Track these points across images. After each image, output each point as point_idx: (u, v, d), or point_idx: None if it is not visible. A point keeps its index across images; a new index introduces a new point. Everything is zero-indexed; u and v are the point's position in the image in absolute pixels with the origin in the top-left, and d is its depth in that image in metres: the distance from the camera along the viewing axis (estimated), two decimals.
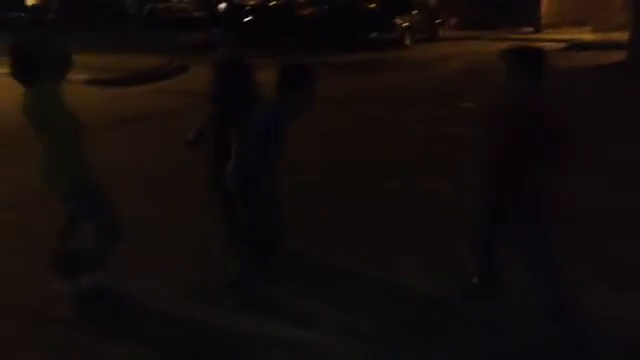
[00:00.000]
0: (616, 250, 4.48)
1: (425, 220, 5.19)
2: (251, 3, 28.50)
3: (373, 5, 22.53)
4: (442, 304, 3.89)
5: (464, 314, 3.75)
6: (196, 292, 4.06)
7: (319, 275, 4.32)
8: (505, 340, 3.46)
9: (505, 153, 3.22)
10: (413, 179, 6.29)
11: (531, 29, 24.57)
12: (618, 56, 15.11)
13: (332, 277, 4.28)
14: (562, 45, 19.19)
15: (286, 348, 3.45)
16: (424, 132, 8.53)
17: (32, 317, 3.81)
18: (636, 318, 3.62)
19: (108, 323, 3.77)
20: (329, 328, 3.64)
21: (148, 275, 4.28)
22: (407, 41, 20.95)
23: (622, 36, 16.82)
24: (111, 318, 3.82)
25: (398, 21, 20.97)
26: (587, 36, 21.59)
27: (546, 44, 19.70)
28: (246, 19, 23.59)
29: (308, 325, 3.68)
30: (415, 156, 7.25)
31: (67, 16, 34.11)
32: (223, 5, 28.90)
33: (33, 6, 39.63)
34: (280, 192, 3.93)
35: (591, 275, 4.00)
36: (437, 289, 4.04)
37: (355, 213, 5.44)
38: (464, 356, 3.36)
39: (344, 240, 4.84)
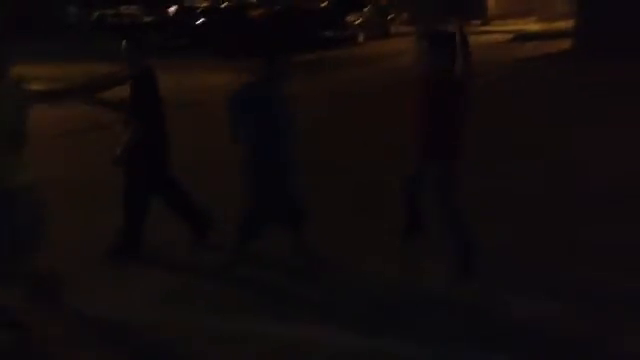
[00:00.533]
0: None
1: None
2: (202, 6, 28.34)
3: (325, 4, 22.73)
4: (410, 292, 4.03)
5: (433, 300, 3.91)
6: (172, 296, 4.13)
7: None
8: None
9: (427, 116, 3.98)
10: (374, 175, 6.41)
11: (478, 22, 25.16)
12: (563, 44, 15.60)
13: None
14: (508, 36, 19.69)
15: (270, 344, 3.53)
16: (375, 128, 8.58)
17: None
18: None
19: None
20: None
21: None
22: (360, 38, 21.21)
23: (566, 24, 17.37)
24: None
25: (351, 19, 21.20)
26: (532, 26, 22.22)
27: (494, 36, 20.27)
28: (198, 22, 23.48)
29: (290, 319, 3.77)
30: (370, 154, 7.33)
31: (15, 26, 33.16)
32: (173, 9, 28.62)
33: None
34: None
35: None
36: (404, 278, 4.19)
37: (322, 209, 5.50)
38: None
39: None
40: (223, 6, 24.95)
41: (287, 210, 4.33)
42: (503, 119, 8.43)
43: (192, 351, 3.53)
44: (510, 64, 14.29)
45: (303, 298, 4.10)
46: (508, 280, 4.07)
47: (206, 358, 3.47)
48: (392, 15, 24.79)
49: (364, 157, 7.16)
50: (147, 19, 31.39)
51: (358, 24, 21.43)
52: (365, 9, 22.30)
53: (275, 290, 4.20)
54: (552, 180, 6.02)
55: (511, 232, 4.73)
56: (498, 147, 7.09)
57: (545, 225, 4.91)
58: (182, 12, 27.01)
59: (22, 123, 3.40)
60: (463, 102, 3.96)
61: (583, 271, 4.12)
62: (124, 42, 4.52)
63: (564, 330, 3.49)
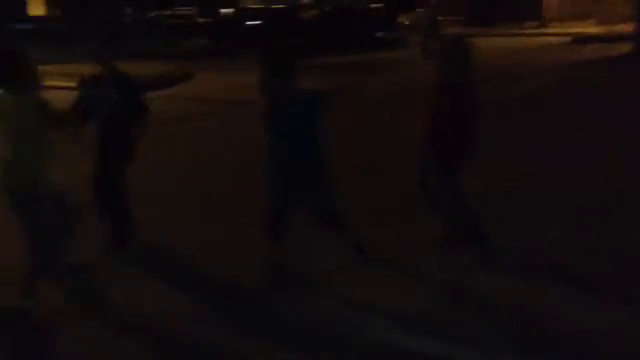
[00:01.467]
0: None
1: None
2: (255, 7, 28.64)
3: (377, 5, 22.63)
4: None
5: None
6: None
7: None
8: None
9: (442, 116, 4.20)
10: None
11: (535, 23, 24.59)
12: (624, 48, 15.11)
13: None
14: (567, 39, 19.20)
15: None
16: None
17: None
18: None
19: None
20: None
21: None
22: (411, 40, 21.00)
23: (627, 28, 16.81)
24: None
25: (402, 20, 21.03)
26: (591, 29, 21.58)
27: (551, 38, 19.79)
28: (251, 23, 23.73)
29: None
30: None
31: (73, 26, 34.31)
32: (226, 10, 28.99)
33: (38, 17, 39.76)
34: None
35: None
36: None
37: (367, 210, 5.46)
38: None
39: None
40: (276, 8, 25.10)
41: (318, 214, 4.25)
42: (559, 121, 8.21)
43: None
44: (568, 66, 13.91)
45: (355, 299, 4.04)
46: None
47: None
48: (443, 17, 24.41)
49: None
50: (201, 20, 31.98)
51: (409, 25, 21.21)
52: (417, 10, 22.07)
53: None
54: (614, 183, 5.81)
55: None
56: (555, 149, 6.93)
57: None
58: (235, 13, 27.36)
59: (49, 133, 3.63)
60: (467, 103, 4.22)
61: None
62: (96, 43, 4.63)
63: (622, 340, 3.35)
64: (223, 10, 27.69)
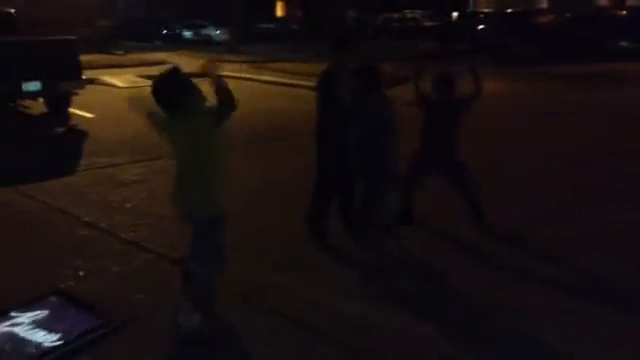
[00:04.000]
0: None
1: None
2: (486, 11, 27.75)
3: (624, 12, 20.43)
4: None
5: None
6: None
7: None
8: None
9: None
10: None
11: None
12: None
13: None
14: None
15: None
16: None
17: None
18: None
19: None
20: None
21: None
22: None
23: None
24: None
25: None
26: None
27: None
28: (480, 27, 23.00)
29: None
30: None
31: (309, 27, 36.63)
32: (456, 14, 28.52)
33: (280, 18, 43.22)
34: None
35: None
36: None
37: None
38: None
39: None
40: (508, 12, 24.00)
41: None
42: None
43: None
44: None
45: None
46: None
47: None
48: None
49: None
50: (429, 23, 31.92)
51: None
52: None
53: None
54: None
55: None
56: None
57: None
58: (465, 17, 26.79)
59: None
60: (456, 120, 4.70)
61: None
62: None
63: None
64: (453, 14, 27.28)
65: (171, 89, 3.19)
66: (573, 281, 4.10)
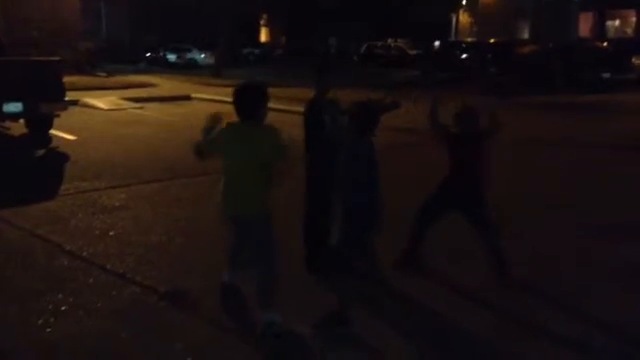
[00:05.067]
0: None
1: None
2: (468, 41, 28.05)
3: (604, 44, 20.75)
4: None
5: None
6: None
7: None
8: None
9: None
10: None
11: None
12: None
13: None
14: None
15: None
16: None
17: None
18: None
19: None
20: None
21: None
22: None
23: None
24: None
25: (636, 61, 18.96)
26: None
27: None
28: (463, 56, 23.19)
29: None
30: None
31: (292, 52, 36.90)
32: (438, 42, 28.80)
33: (264, 43, 43.43)
34: None
35: None
36: None
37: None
38: None
39: None
40: (491, 42, 24.26)
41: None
42: None
43: None
44: None
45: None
46: None
47: None
48: None
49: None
50: (413, 52, 32.21)
51: None
52: None
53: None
54: None
55: None
56: None
57: None
58: (447, 46, 27.04)
59: (278, 159, 3.67)
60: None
61: None
62: None
63: None
64: (435, 43, 27.52)
65: (253, 97, 3.66)
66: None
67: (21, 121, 10.24)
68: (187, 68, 30.28)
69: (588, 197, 6.89)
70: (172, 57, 33.53)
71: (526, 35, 31.57)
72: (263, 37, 45.77)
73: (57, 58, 10.49)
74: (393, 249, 4.57)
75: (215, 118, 3.75)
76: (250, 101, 3.62)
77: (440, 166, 4.56)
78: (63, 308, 3.92)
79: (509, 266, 4.46)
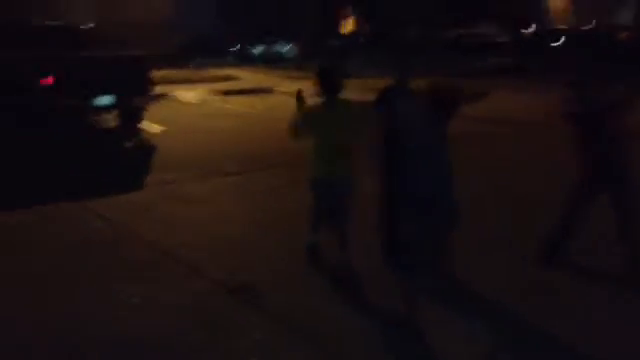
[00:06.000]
0: None
1: None
2: (560, 27, 26.72)
3: None
4: None
5: None
6: None
7: None
8: None
9: None
10: None
11: None
12: None
13: None
14: None
15: None
16: None
17: None
18: None
19: None
20: None
21: None
22: None
23: None
24: None
25: None
26: None
27: None
28: (555, 43, 22.14)
29: None
30: None
31: (374, 41, 36.54)
32: (530, 29, 27.62)
33: (347, 33, 43.27)
34: None
35: None
36: None
37: None
38: None
39: None
40: (586, 28, 23.01)
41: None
42: None
43: None
44: None
45: None
46: None
47: None
48: None
49: None
50: (501, 39, 31.05)
51: None
52: None
53: None
54: None
55: None
56: None
57: None
58: (540, 33, 25.88)
59: (350, 137, 4.26)
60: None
61: None
62: None
63: None
64: (527, 30, 26.42)
65: (337, 74, 4.27)
66: None
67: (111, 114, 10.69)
68: (272, 61, 30.67)
69: None
70: (258, 50, 34.03)
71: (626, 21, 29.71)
72: (348, 26, 45.60)
73: (143, 52, 10.84)
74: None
75: (298, 96, 4.34)
76: (336, 76, 4.24)
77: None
78: (135, 300, 4.03)
79: None
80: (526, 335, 3.58)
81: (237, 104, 14.32)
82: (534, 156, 8.13)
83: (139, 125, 10.52)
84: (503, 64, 22.35)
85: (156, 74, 11.18)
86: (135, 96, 9.94)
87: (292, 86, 17.13)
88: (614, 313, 3.80)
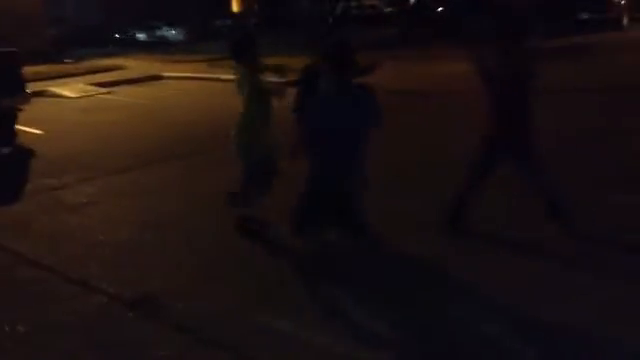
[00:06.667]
0: None
1: None
2: None
3: None
4: None
5: None
6: None
7: None
8: None
9: None
10: None
11: None
12: None
13: None
14: None
15: None
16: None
17: None
18: None
19: None
20: None
21: None
22: (625, 21, 18.44)
23: None
24: None
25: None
26: None
27: None
28: (438, 10, 22.63)
29: None
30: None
31: (267, 20, 35.97)
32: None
33: (236, 13, 42.33)
34: None
35: None
36: None
37: None
38: None
39: None
40: None
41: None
42: None
43: None
44: None
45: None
46: None
47: None
48: None
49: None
50: (387, 10, 31.49)
51: (624, 5, 18.61)
52: None
53: None
54: None
55: None
56: None
57: None
58: (422, 2, 26.37)
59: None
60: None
61: None
62: None
63: None
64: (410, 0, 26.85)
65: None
66: None
67: None
68: (158, 46, 29.42)
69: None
70: (141, 36, 32.56)
71: None
72: (234, 7, 44.66)
73: (14, 49, 9.91)
74: None
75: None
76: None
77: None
78: (20, 329, 3.55)
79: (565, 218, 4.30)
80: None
81: (123, 95, 13.49)
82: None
83: (13, 128, 9.63)
84: (391, 35, 22.64)
85: (29, 70, 10.28)
86: (7, 97, 9.08)
87: (181, 71, 16.47)
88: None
